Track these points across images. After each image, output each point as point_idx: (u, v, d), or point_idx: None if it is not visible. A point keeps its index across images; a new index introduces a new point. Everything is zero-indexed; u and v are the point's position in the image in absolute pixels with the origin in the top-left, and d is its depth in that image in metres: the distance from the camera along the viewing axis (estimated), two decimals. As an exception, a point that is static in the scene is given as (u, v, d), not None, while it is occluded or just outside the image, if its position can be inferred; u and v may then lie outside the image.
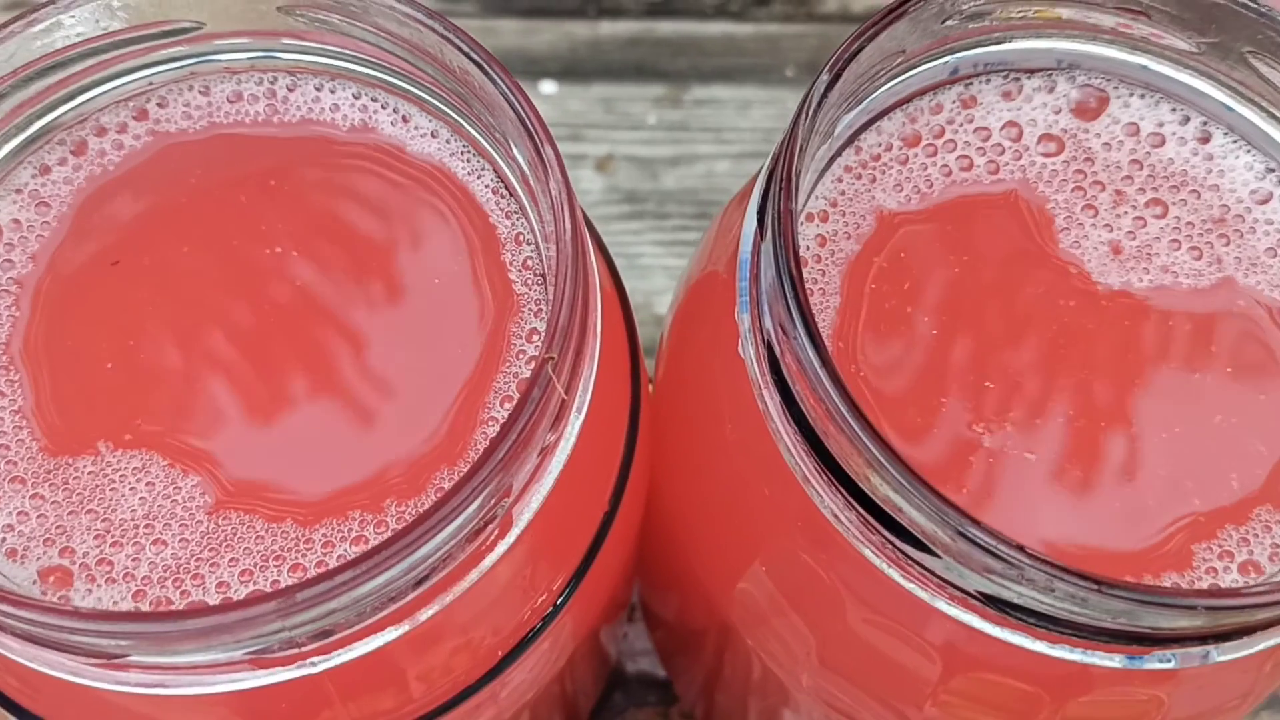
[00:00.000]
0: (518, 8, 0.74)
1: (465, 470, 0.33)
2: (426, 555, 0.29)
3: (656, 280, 0.69)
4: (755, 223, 0.34)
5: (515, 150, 0.35)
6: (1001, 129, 0.39)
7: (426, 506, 0.33)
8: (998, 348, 0.36)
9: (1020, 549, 0.29)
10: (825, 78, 0.33)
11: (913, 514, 0.30)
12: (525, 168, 0.34)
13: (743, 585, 0.39)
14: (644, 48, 0.74)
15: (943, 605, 0.32)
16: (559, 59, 0.73)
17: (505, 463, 0.29)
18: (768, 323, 0.33)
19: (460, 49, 0.34)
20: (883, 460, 0.30)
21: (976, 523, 0.29)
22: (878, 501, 0.31)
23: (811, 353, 0.30)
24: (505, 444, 0.29)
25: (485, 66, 0.34)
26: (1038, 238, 0.38)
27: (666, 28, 0.75)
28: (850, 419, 0.30)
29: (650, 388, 0.40)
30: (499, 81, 0.34)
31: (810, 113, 0.33)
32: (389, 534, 0.32)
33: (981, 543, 0.29)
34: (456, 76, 0.35)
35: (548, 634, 0.36)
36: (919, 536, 0.31)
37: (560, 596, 0.36)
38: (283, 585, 0.32)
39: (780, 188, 0.32)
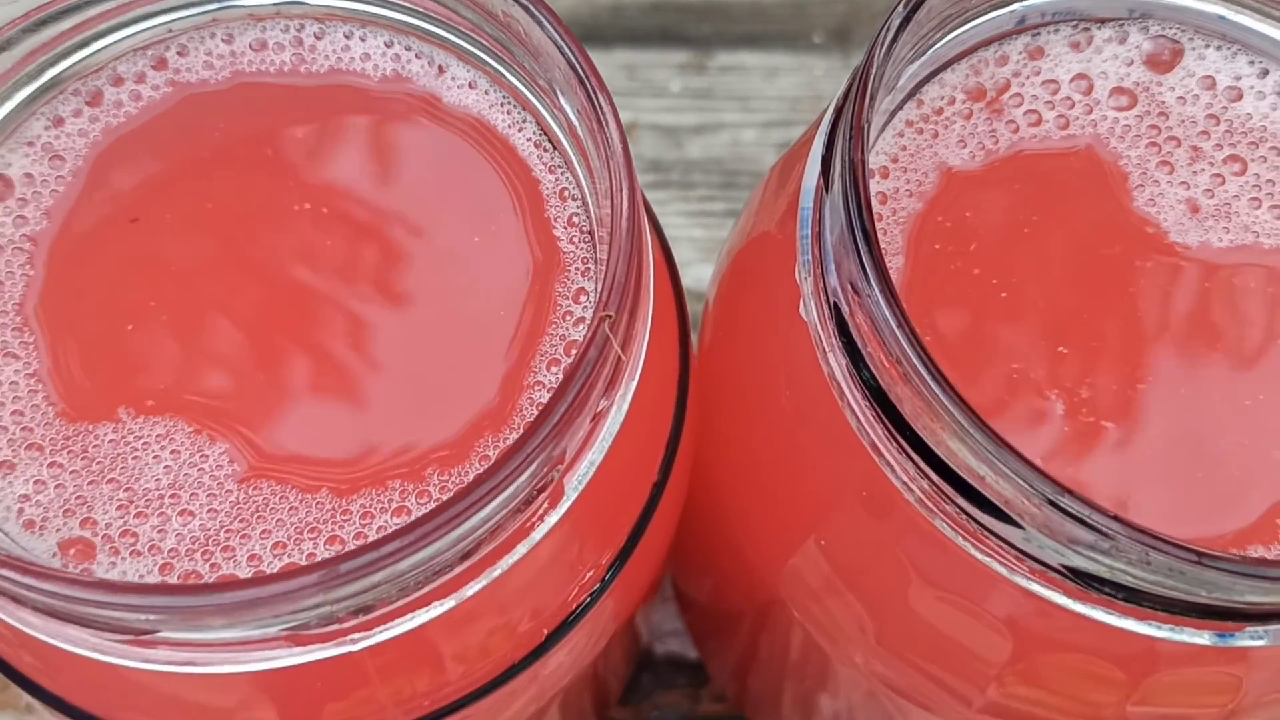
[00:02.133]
0: (537, -29, 0.72)
1: (510, 437, 0.31)
2: (475, 526, 0.27)
3: (683, 252, 0.67)
4: (818, 175, 0.32)
5: (563, 100, 0.32)
6: (1071, 81, 0.37)
7: (471, 475, 0.31)
8: (1071, 311, 0.34)
9: (1116, 519, 0.27)
10: (900, 13, 0.31)
11: (996, 482, 0.28)
12: (574, 118, 0.32)
13: (795, 561, 0.37)
14: (668, 12, 0.72)
15: (1021, 579, 0.30)
16: (580, 23, 0.71)
17: (560, 427, 0.27)
18: (833, 281, 0.31)
19: (504, -10, 0.32)
20: (966, 425, 0.28)
21: (1068, 491, 0.27)
22: (956, 469, 0.29)
23: (887, 311, 0.28)
24: (560, 407, 0.27)
25: (533, 10, 0.32)
26: (1111, 196, 0.36)
27: (694, -8, 0.73)
28: (931, 381, 0.28)
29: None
30: (548, 27, 0.31)
31: (884, 50, 0.31)
32: (432, 504, 0.30)
33: (1073, 512, 0.27)
34: (499, 22, 0.33)
35: (593, 613, 0.34)
36: (1001, 506, 0.29)
37: (608, 572, 0.34)
38: (319, 558, 0.30)
39: (849, 136, 0.30)
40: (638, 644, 0.55)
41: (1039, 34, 0.37)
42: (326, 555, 0.30)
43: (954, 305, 0.34)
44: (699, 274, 0.67)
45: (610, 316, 0.28)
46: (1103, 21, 0.37)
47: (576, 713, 0.52)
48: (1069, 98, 0.37)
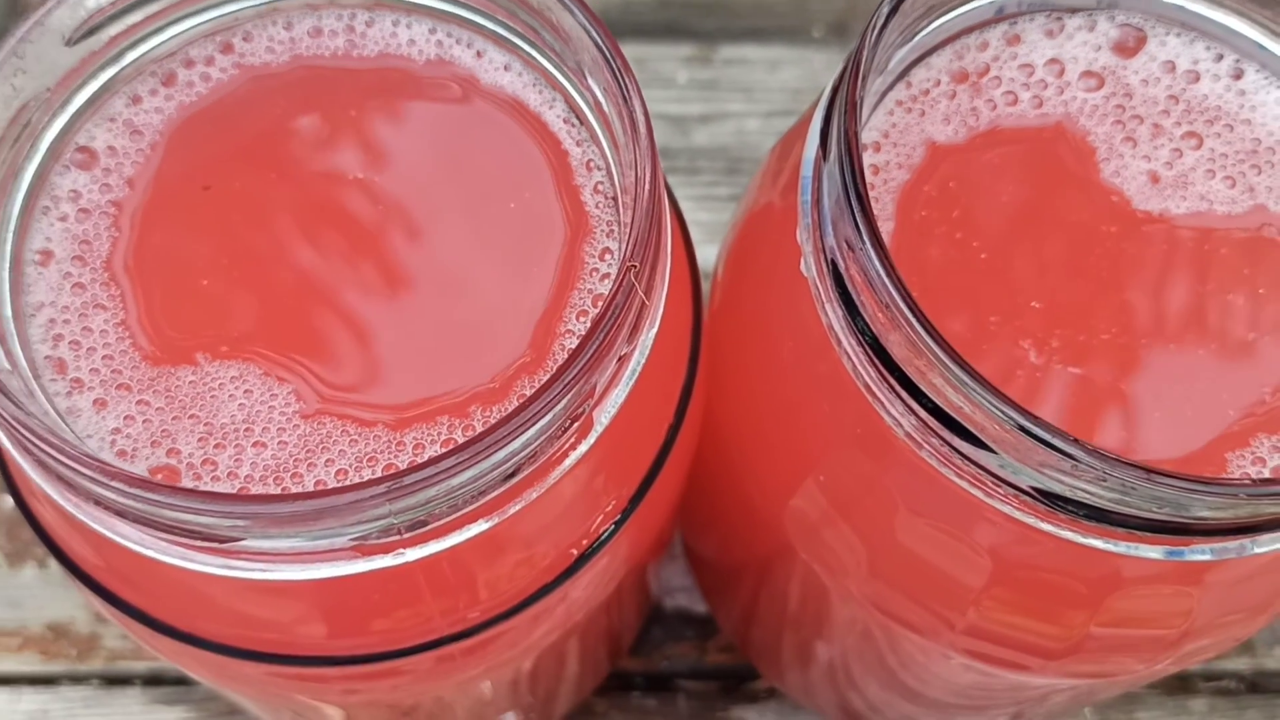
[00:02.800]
0: (551, -31, 0.76)
1: (546, 377, 0.35)
2: (516, 450, 0.31)
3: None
4: (817, 146, 0.36)
5: (590, 80, 0.36)
6: (1045, 65, 0.41)
7: (510, 410, 0.35)
8: (1043, 270, 0.38)
9: (1076, 442, 0.31)
10: (890, 2, 0.35)
11: (973, 413, 0.32)
12: (600, 96, 0.36)
13: (796, 501, 0.41)
14: (674, 8, 0.76)
15: (997, 503, 0.34)
16: (592, 19, 0.75)
17: (590, 365, 0.31)
18: (830, 240, 0.35)
19: (538, -19, 0.36)
20: (948, 363, 0.32)
21: (1035, 417, 0.31)
22: (939, 404, 0.33)
23: (878, 261, 0.32)
24: (591, 346, 0.31)
25: (566, 1, 0.36)
26: (1080, 168, 0.40)
27: (699, -12, 0.77)
28: (918, 325, 0.32)
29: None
30: (577, 13, 0.35)
31: (874, 35, 0.34)
32: (472, 429, 0.34)
33: (1040, 436, 0.31)
34: (532, 10, 0.37)
35: (614, 541, 0.38)
36: (977, 434, 0.33)
37: (629, 503, 0.38)
38: (376, 483, 0.34)
39: (845, 110, 0.34)
40: (649, 598, 0.59)
41: (1016, 22, 0.41)
42: (384, 479, 0.34)
43: (938, 265, 0.38)
44: (706, 254, 0.70)
45: (635, 266, 0.32)
46: (1074, 11, 0.41)
47: (593, 661, 0.56)
48: (1043, 80, 0.41)
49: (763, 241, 0.41)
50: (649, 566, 0.51)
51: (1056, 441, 0.31)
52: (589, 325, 0.34)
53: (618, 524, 0.38)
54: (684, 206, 0.74)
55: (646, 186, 0.33)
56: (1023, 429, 0.31)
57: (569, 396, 0.31)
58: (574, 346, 0.35)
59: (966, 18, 0.40)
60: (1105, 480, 0.31)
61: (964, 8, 0.40)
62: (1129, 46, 0.41)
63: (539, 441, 0.32)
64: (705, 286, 0.46)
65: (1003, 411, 0.31)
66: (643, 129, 0.34)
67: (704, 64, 0.75)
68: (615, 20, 0.75)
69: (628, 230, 0.34)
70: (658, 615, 0.63)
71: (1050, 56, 0.41)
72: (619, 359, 0.34)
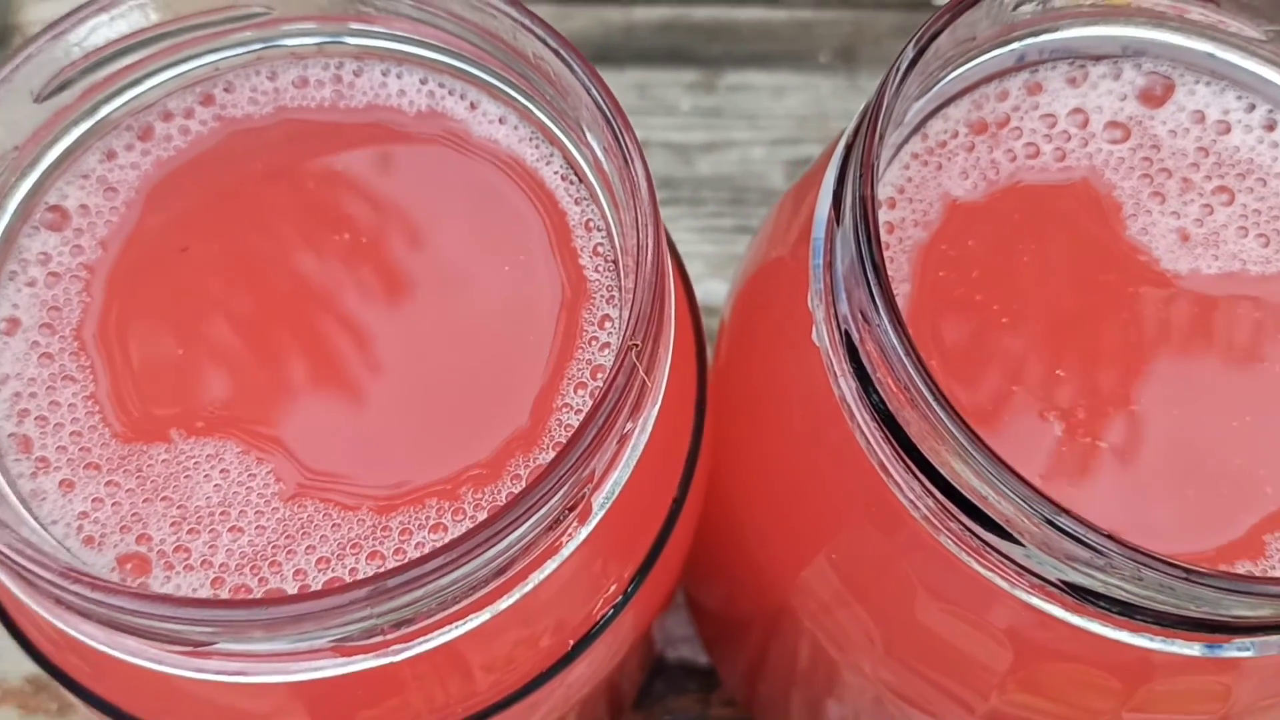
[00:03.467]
0: (551, -8, 0.74)
1: (541, 457, 0.33)
2: (510, 545, 0.29)
3: (693, 267, 0.68)
4: (830, 207, 0.34)
5: (589, 136, 0.34)
6: (1067, 115, 0.39)
7: (504, 493, 0.33)
8: (1068, 335, 0.36)
9: (1110, 537, 0.29)
10: (909, 53, 0.33)
11: (997, 501, 0.30)
12: (600, 154, 0.34)
13: (806, 574, 0.39)
14: (678, 33, 0.74)
15: (1021, 594, 0.32)
16: (592, 44, 0.73)
17: (589, 450, 0.29)
18: (844, 308, 0.33)
19: (536, 34, 0.34)
20: (969, 447, 0.29)
21: (1065, 511, 0.29)
22: (960, 489, 0.31)
23: (895, 340, 0.30)
24: (590, 431, 0.29)
25: (562, 53, 0.34)
26: (1106, 225, 0.38)
27: (700, 13, 0.75)
28: (937, 406, 0.30)
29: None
30: (575, 68, 0.33)
31: (894, 89, 0.32)
32: (467, 521, 0.32)
33: (1070, 531, 0.29)
34: (529, 62, 0.35)
35: (614, 624, 0.36)
36: (1002, 524, 0.30)
37: (630, 585, 0.36)
38: (360, 573, 0.32)
39: (859, 173, 0.32)
40: (652, 652, 0.57)
41: (1037, 70, 0.39)
42: (368, 570, 0.32)
43: (957, 330, 0.36)
44: (709, 288, 0.69)
45: (637, 346, 0.30)
46: (1098, 59, 0.39)
47: (593, 719, 0.54)
48: (1066, 131, 0.39)
49: (773, 299, 0.39)
50: (655, 622, 0.49)
51: (1088, 537, 0.29)
52: (588, 407, 0.32)
53: (618, 607, 0.36)
54: (686, 239, 0.72)
55: (649, 257, 0.31)
56: (1052, 523, 0.29)
57: (566, 486, 0.29)
58: (572, 422, 0.33)
59: (985, 66, 0.38)
60: (1141, 579, 0.29)
61: (984, 56, 0.38)
62: (1156, 95, 0.39)
63: (533, 534, 0.30)
64: (709, 321, 0.43)
65: (1030, 504, 0.29)
66: (645, 194, 0.32)
67: (707, 90, 0.73)
68: (617, 45, 0.73)
69: (629, 299, 0.32)
70: (659, 667, 0.61)
71: (1073, 106, 0.39)
72: (620, 439, 0.32)
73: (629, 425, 0.32)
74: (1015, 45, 0.38)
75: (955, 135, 0.38)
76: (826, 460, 0.36)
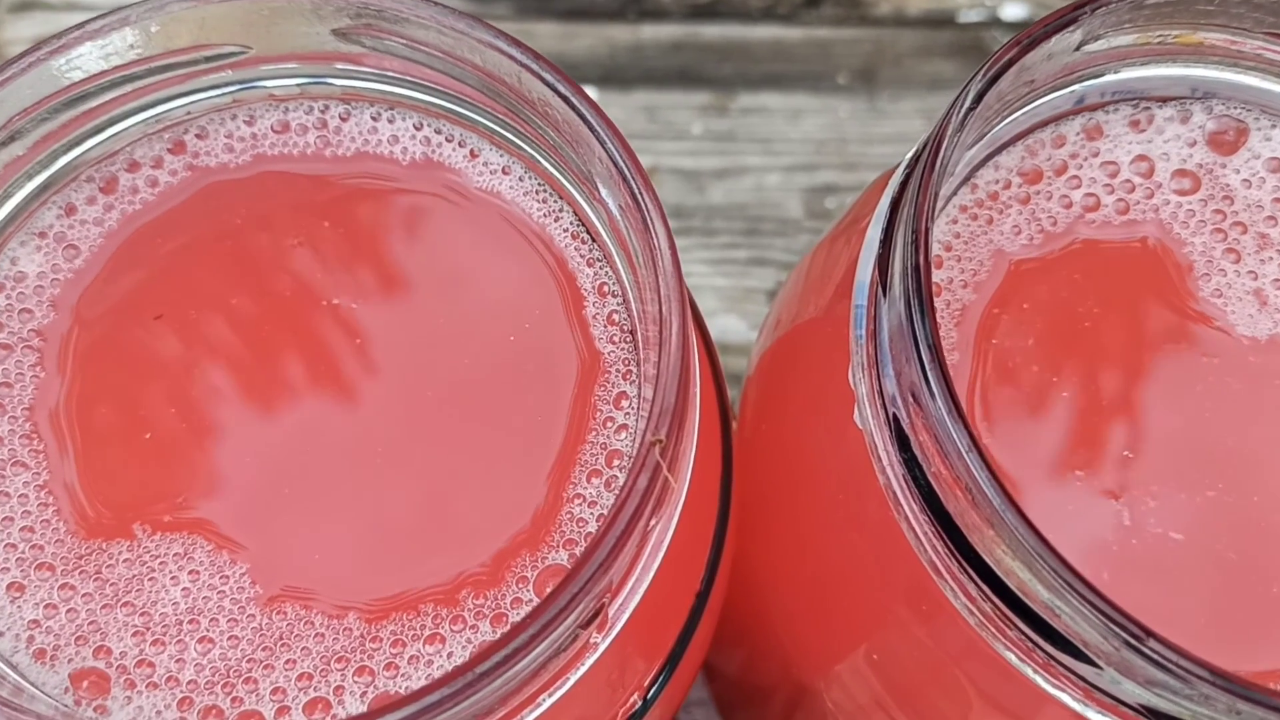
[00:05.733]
0: (555, 10, 0.71)
1: (549, 556, 0.29)
2: (518, 671, 0.25)
3: (706, 301, 0.66)
4: (872, 270, 0.31)
5: (603, 191, 0.31)
6: (1131, 163, 0.35)
7: (509, 598, 0.29)
8: (1137, 411, 0.32)
9: (1203, 665, 0.25)
10: (969, 97, 0.29)
11: (1070, 618, 0.26)
12: (615, 213, 0.31)
13: (842, 669, 0.35)
14: (688, 53, 0.70)
15: (1093, 714, 0.28)
16: (598, 64, 0.69)
17: (609, 559, 0.26)
18: (891, 388, 0.29)
19: (542, 79, 0.30)
20: (1038, 553, 0.26)
21: (1151, 634, 0.25)
22: (1025, 598, 0.27)
23: (953, 429, 0.27)
24: (609, 538, 0.25)
25: (572, 100, 0.30)
26: (1175, 286, 0.34)
27: (711, 31, 0.71)
28: (1003, 509, 0.26)
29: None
30: (587, 117, 0.30)
31: (950, 142, 0.29)
32: (466, 630, 0.29)
33: (1157, 657, 0.25)
34: (535, 109, 0.31)
35: (632, 728, 0.33)
36: (1075, 643, 0.27)
37: (649, 691, 0.32)
38: (347, 691, 0.28)
39: (911, 239, 0.28)
40: None
41: (1096, 113, 0.35)
42: (355, 688, 0.28)
43: (1012, 407, 0.32)
44: (724, 324, 0.65)
45: (660, 442, 0.26)
46: (1164, 100, 0.35)
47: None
48: (1129, 180, 0.35)
49: (807, 367, 0.36)
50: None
51: (1177, 663, 0.25)
52: (603, 499, 0.29)
53: (638, 715, 0.32)
54: (700, 270, 0.68)
55: (674, 337, 0.27)
56: (1134, 647, 0.25)
57: (583, 602, 0.26)
58: (584, 515, 0.30)
59: (1042, 110, 0.35)
60: (1239, 713, 0.25)
61: (1040, 100, 0.34)
62: (1228, 141, 0.35)
63: (544, 657, 0.26)
64: (728, 361, 0.40)
65: (1110, 622, 0.25)
66: (668, 263, 0.28)
67: (720, 114, 0.69)
68: (625, 65, 0.70)
69: (648, 376, 0.29)
70: (672, 731, 0.57)
71: (1137, 153, 0.35)
72: (640, 539, 0.28)
73: (651, 522, 0.28)
74: (1075, 87, 0.35)
75: (1007, 186, 0.35)
76: (868, 550, 0.33)
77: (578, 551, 0.29)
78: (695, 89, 0.69)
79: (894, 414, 0.29)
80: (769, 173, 0.68)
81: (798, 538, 0.35)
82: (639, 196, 0.29)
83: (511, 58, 0.31)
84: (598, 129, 0.30)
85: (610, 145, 0.29)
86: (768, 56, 0.71)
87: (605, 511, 0.29)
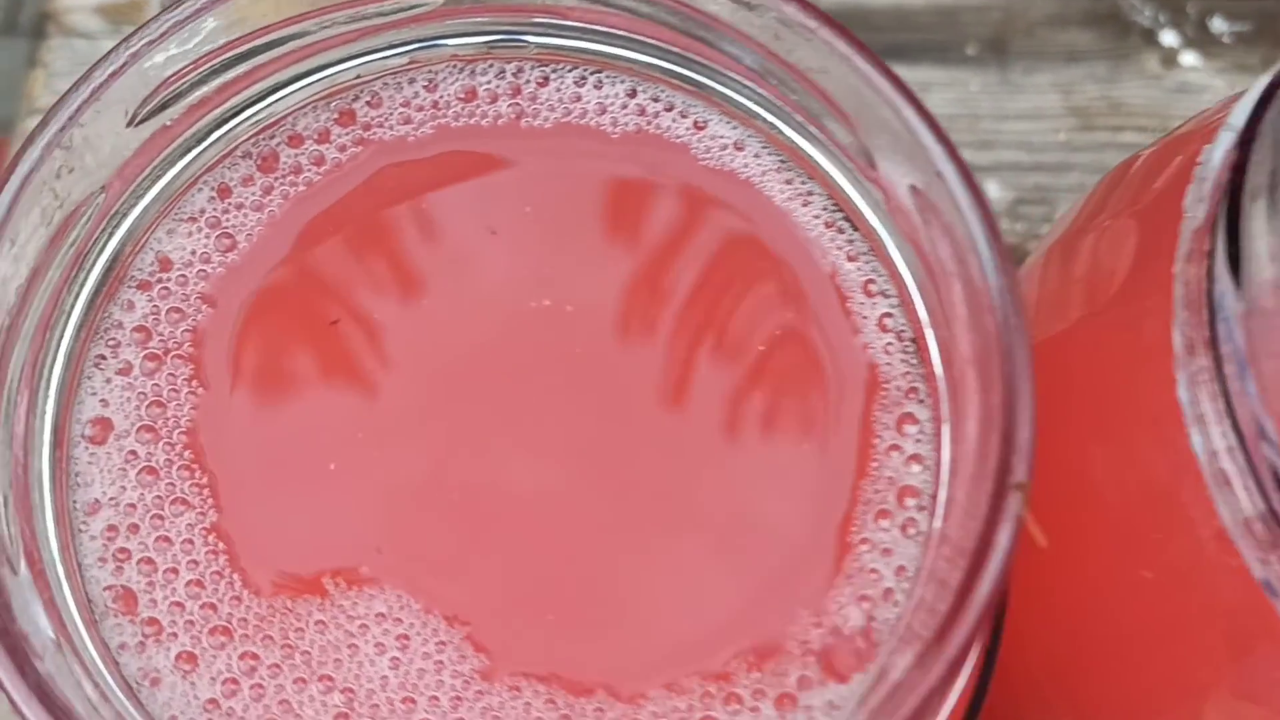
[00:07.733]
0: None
1: (835, 617, 0.24)
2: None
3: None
4: (1226, 270, 0.25)
5: (888, 168, 0.25)
6: None
7: (794, 676, 0.24)
8: None
9: None
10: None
11: None
12: (904, 194, 0.25)
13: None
14: (804, 22, 0.65)
15: None
16: (707, 35, 0.64)
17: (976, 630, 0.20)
18: (1272, 455, 0.23)
19: (817, 35, 0.25)
20: None
21: None
22: None
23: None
24: (966, 619, 0.20)
25: (855, 59, 0.24)
26: None
27: (828, 0, 0.65)
28: None
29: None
30: (876, 79, 0.24)
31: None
32: (745, 712, 0.23)
33: None
34: (794, 70, 0.26)
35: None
36: None
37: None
38: (601, 788, 0.23)
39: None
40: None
41: None
42: (615, 785, 0.23)
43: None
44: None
45: (1024, 486, 0.21)
46: None
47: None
48: None
49: (1091, 380, 0.30)
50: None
51: None
52: (900, 546, 0.23)
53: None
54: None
55: (1017, 346, 0.22)
56: None
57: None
58: (877, 565, 0.24)
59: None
60: None
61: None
62: None
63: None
64: None
65: None
66: (993, 251, 0.23)
67: (841, 88, 0.63)
68: (735, 36, 0.64)
69: (947, 394, 0.23)
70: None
71: None
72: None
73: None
74: None
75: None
76: (1218, 643, 0.27)
77: (876, 612, 0.24)
78: (812, 61, 0.64)
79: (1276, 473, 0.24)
80: (895, 152, 0.62)
81: (1097, 615, 0.30)
82: (958, 165, 0.23)
83: (768, 6, 0.25)
84: (891, 95, 0.24)
85: (907, 111, 0.24)
86: (889, 26, 0.65)
87: (905, 562, 0.24)
